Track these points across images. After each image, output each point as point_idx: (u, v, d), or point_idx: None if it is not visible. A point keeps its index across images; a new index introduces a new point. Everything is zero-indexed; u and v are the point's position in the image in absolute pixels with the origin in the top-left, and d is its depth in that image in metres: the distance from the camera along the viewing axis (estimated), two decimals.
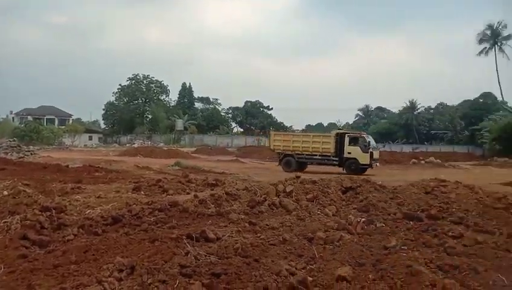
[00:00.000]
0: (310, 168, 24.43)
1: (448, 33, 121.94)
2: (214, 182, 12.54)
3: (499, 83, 62.91)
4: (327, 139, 24.16)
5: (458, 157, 43.24)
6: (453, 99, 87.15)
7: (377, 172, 22.17)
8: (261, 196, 8.36)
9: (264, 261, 4.51)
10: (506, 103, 59.27)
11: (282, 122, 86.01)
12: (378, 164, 24.38)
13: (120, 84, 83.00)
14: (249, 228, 6.32)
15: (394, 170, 23.43)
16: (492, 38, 62.37)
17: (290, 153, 24.38)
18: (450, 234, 6.30)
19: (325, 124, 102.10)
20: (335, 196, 8.60)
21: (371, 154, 23.01)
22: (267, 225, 6.52)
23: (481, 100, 69.22)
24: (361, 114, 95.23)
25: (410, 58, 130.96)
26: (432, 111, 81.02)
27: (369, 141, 23.89)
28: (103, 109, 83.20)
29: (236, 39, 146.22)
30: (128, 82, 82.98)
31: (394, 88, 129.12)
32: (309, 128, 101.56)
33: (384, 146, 51.51)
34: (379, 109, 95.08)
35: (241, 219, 6.91)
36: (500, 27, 61.78)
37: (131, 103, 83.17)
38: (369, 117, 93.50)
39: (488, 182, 13.95)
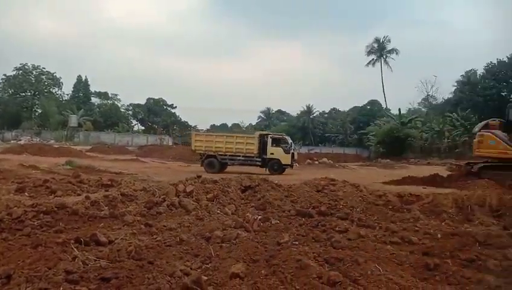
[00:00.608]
0: (232, 169, 24.40)
1: (343, 44, 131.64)
2: (108, 182, 11.84)
3: (384, 91, 70.10)
4: (251, 140, 24.39)
5: (348, 158, 46.92)
6: (345, 105, 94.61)
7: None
8: (159, 197, 8.16)
9: (158, 263, 4.41)
10: (390, 110, 66.39)
11: (186, 122, 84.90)
12: (297, 164, 25.66)
13: (5, 75, 74.41)
14: (145, 229, 6.13)
15: (291, 170, 24.53)
16: (378, 51, 69.25)
17: (212, 153, 24.09)
18: (337, 229, 6.83)
19: (229, 125, 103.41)
20: (235, 195, 8.77)
21: (292, 155, 24.19)
22: (164, 226, 6.39)
23: (368, 107, 76.56)
24: (263, 116, 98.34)
25: (308, 65, 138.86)
26: (326, 115, 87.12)
27: (290, 143, 25.06)
28: None
29: (140, 34, 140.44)
30: (14, 72, 74.75)
31: (294, 92, 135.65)
32: (214, 128, 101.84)
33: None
34: (279, 112, 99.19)
35: (137, 220, 6.67)
36: (385, 41, 68.94)
37: (17, 95, 74.90)
38: (270, 119, 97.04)
39: (372, 181, 15.38)
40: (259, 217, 7.02)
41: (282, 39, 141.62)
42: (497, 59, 45.57)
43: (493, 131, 16.36)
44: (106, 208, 7.23)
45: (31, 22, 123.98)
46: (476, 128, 18.03)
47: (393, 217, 8.17)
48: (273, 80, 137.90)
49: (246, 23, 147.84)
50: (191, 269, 4.26)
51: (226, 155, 24.08)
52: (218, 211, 7.68)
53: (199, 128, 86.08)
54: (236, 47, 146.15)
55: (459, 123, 46.24)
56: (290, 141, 25.38)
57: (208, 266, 4.47)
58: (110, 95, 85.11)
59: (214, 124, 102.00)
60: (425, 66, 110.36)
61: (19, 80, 74.64)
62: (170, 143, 65.77)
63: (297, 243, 5.59)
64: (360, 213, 8.21)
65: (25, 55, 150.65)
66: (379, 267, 4.58)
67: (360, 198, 9.10)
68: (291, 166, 24.26)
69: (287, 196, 8.87)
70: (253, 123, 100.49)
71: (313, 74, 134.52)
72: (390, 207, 8.96)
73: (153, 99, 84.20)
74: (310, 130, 77.21)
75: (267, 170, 23.57)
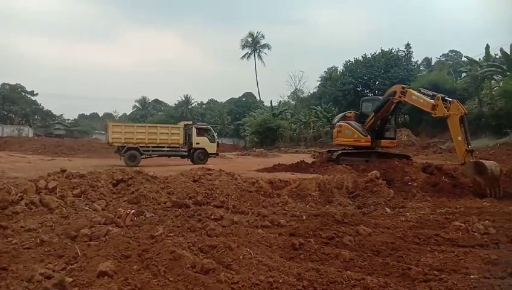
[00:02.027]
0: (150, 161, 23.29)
1: (221, 36, 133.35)
2: None
3: (257, 84, 73.18)
4: (176, 131, 24.01)
5: (226, 148, 47.95)
6: (222, 97, 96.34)
7: (150, 164, 22.45)
8: (16, 195, 7.26)
9: (13, 268, 3.96)
10: (263, 102, 69.80)
11: (50, 110, 76.69)
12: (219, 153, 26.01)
13: None
14: None
15: (168, 161, 24.15)
16: (253, 45, 71.89)
17: (133, 146, 22.65)
18: (212, 217, 6.99)
19: (101, 114, 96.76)
20: (105, 190, 8.26)
21: (218, 144, 25.06)
22: (22, 227, 5.75)
23: (244, 99, 79.31)
24: (138, 105, 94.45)
25: (186, 56, 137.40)
26: (204, 106, 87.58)
27: (215, 133, 25.77)
28: None
29: None
30: None
31: (170, 82, 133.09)
32: (83, 117, 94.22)
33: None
34: (156, 101, 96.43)
35: None
36: (259, 36, 71.83)
37: None
38: (147, 109, 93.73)
39: (246, 170, 16.03)
40: (133, 211, 6.77)
41: (157, 28, 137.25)
42: (354, 58, 51.18)
43: (349, 122, 18.45)
44: None
45: None
46: (335, 120, 20.12)
47: (264, 202, 8.69)
48: (148, 69, 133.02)
49: (118, 8, 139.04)
50: (53, 271, 3.91)
51: (148, 147, 23.08)
52: (87, 208, 7.16)
53: (66, 118, 78.87)
54: (107, 31, 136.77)
55: (322, 115, 50.69)
56: (213, 131, 25.88)
57: (73, 266, 4.16)
58: None
59: (82, 114, 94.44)
60: (294, 61, 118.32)
61: None
62: (31, 134, 58.81)
63: (172, 234, 5.55)
64: (234, 200, 8.51)
65: None
66: (250, 251, 4.83)
67: (235, 186, 9.42)
68: (217, 154, 24.88)
69: (163, 188, 8.71)
70: (128, 113, 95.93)
71: (190, 65, 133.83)
72: (262, 193, 9.49)
73: (9, 85, 73.77)
74: (187, 121, 76.72)
75: (191, 160, 23.74)
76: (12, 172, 15.22)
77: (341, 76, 51.84)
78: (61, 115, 78.56)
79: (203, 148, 24.23)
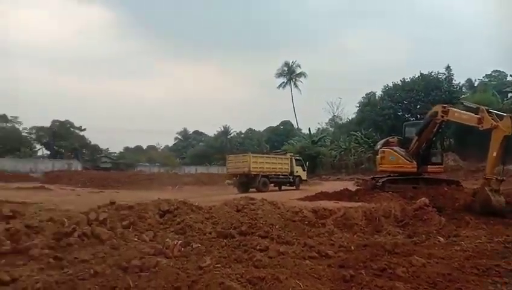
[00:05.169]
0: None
1: (257, 65, 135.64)
2: (10, 213, 10.68)
3: (295, 112, 73.48)
4: (286, 161, 27.95)
5: None
6: (260, 126, 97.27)
7: (194, 194, 22.76)
8: (69, 227, 7.56)
9: None
10: (301, 129, 69.90)
11: (97, 145, 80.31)
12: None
13: None
14: (54, 263, 5.64)
15: (212, 191, 24.45)
16: (288, 74, 72.75)
17: (264, 174, 25.82)
18: (257, 247, 6.93)
19: (144, 147, 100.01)
20: (152, 221, 8.44)
21: (306, 171, 29.67)
22: (76, 258, 5.94)
23: (282, 127, 79.81)
24: (180, 137, 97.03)
25: (223, 86, 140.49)
26: (242, 135, 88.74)
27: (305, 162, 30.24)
28: None
29: (41, 52, 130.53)
30: None
31: (210, 113, 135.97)
32: (127, 150, 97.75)
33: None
34: (196, 132, 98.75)
35: (45, 254, 6.10)
36: (294, 66, 72.72)
37: None
38: (188, 140, 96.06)
39: (288, 198, 15.87)
40: (180, 241, 6.85)
41: (194, 60, 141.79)
42: (393, 82, 50.53)
43: (392, 147, 17.99)
44: (8, 242, 6.51)
45: None
46: (378, 146, 19.69)
47: (310, 232, 8.52)
48: (187, 100, 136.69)
49: (156, 43, 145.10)
50: None
51: (272, 175, 26.43)
52: (135, 239, 7.34)
53: (111, 151, 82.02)
54: (145, 67, 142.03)
55: (363, 141, 49.88)
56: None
57: None
58: (9, 118, 77.41)
59: (127, 147, 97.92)
60: (331, 88, 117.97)
61: None
62: (79, 168, 61.58)
63: (219, 265, 5.55)
64: (279, 230, 8.41)
65: None
66: (299, 282, 4.73)
67: (279, 215, 9.33)
68: (306, 180, 29.33)
69: (208, 218, 8.78)
70: (170, 145, 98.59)
71: (227, 96, 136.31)
72: (306, 223, 9.33)
73: (59, 121, 78.31)
74: (227, 151, 77.88)
75: (293, 185, 27.60)
76: (64, 205, 15.91)
77: (380, 101, 51.14)
78: (107, 148, 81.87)
79: (299, 176, 28.15)
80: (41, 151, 79.10)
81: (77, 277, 4.95)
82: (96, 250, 6.42)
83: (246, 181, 25.41)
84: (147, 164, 76.26)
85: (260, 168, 25.56)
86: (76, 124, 78.15)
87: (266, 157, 28.16)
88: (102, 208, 8.64)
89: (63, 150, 75.92)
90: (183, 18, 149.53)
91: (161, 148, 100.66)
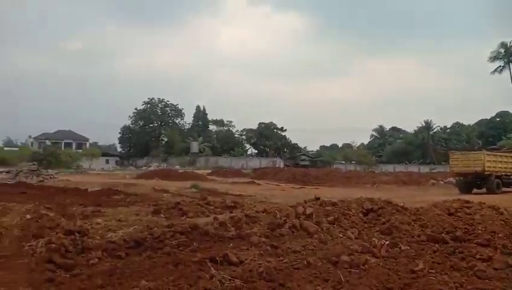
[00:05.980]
0: None
1: (457, 52, 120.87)
2: (232, 204, 12.50)
3: None
4: None
5: None
6: (468, 119, 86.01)
7: (395, 194, 21.80)
8: (281, 219, 8.27)
9: (289, 285, 4.45)
10: None
11: (296, 144, 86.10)
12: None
13: (136, 108, 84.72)
14: (271, 251, 6.23)
15: (414, 191, 22.98)
16: (506, 56, 61.85)
17: (498, 174, 23.38)
18: (477, 256, 6.12)
19: (340, 145, 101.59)
20: (356, 219, 8.44)
21: None
22: (289, 248, 6.42)
23: (498, 119, 68.49)
24: (376, 134, 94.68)
25: (422, 77, 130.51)
26: (448, 131, 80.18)
27: None
28: (119, 133, 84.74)
29: (246, 61, 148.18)
30: (143, 106, 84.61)
31: (408, 108, 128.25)
32: (323, 148, 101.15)
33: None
34: (394, 129, 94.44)
35: (263, 241, 6.83)
36: None
37: (146, 127, 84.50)
38: (384, 137, 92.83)
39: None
40: (387, 242, 6.64)
41: (390, 53, 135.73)
42: None
43: None
44: (233, 229, 7.58)
45: (152, 57, 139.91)
46: None
47: None
48: (383, 96, 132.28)
49: (351, 42, 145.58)
50: None
51: (503, 175, 23.58)
52: (341, 235, 7.47)
53: (309, 150, 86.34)
54: (341, 66, 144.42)
55: None
56: None
57: None
58: (225, 122, 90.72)
59: (323, 145, 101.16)
60: None
61: (148, 112, 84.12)
62: (281, 165, 67.04)
63: (433, 271, 5.15)
64: (503, 239, 7.24)
65: (150, 88, 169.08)
66: None
67: (502, 222, 8.04)
68: None
69: (415, 220, 8.24)
70: (365, 142, 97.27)
71: (427, 87, 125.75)
72: None
73: (264, 123, 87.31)
74: (430, 147, 71.82)
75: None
76: (272, 198, 17.61)
77: None
78: (305, 147, 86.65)
79: None
80: (250, 150, 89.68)
81: (292, 266, 5.35)
82: (306, 242, 6.80)
83: (474, 182, 22.81)
84: (343, 161, 77.23)
85: (493, 167, 22.75)
86: (278, 125, 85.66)
87: (500, 156, 24.52)
88: (308, 203, 9.14)
89: (268, 149, 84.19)
90: (371, 14, 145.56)
91: (356, 145, 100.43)
